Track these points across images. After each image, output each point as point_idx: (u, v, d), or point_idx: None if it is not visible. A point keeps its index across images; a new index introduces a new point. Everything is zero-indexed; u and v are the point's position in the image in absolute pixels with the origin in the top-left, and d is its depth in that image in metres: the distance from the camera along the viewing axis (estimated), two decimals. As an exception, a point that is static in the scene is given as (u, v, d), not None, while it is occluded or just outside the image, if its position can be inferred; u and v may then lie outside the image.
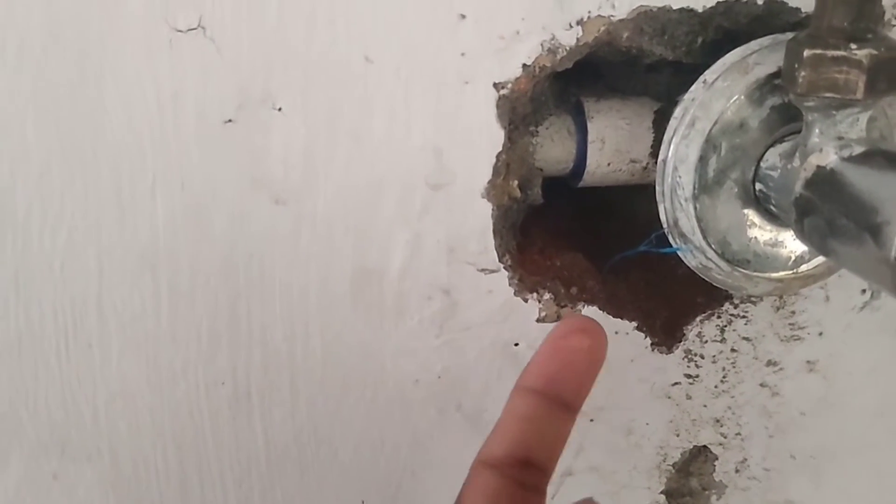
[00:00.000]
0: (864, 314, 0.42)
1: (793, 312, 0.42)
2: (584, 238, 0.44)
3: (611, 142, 0.40)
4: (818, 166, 0.30)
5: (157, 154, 0.33)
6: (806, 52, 0.30)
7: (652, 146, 0.40)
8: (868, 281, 0.30)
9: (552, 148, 0.40)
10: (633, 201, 0.45)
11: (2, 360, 0.36)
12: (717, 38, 0.36)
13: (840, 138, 0.31)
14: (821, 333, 0.42)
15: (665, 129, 0.39)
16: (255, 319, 0.36)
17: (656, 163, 0.40)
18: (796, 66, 0.30)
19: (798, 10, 0.35)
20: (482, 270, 0.37)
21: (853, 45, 0.29)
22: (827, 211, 0.29)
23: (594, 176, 0.40)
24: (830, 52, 0.29)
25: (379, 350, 0.38)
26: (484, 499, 0.25)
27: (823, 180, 0.30)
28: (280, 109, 0.33)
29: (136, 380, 0.37)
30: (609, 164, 0.40)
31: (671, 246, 0.37)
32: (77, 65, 0.31)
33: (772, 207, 0.34)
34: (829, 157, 0.30)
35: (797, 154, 0.32)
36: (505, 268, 0.37)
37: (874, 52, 0.29)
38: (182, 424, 0.38)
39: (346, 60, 0.33)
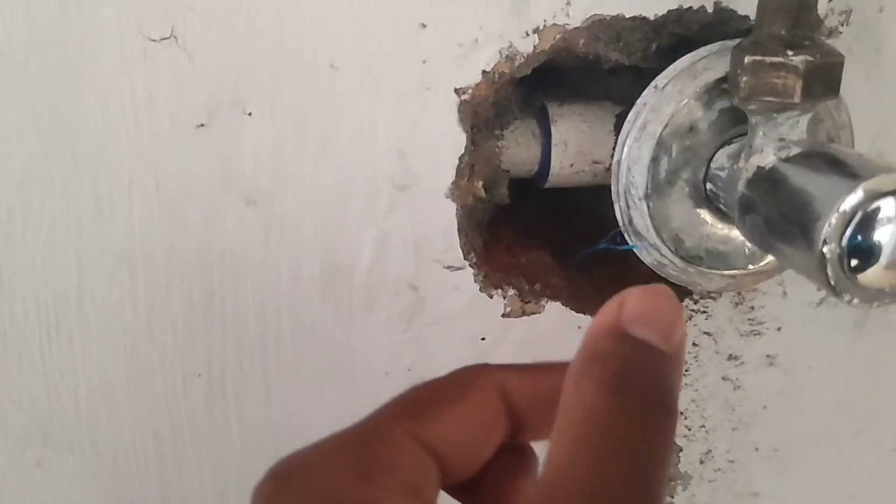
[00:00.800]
0: (822, 309, 0.44)
1: (751, 308, 0.43)
2: (551, 237, 0.45)
3: (573, 144, 0.41)
4: (758, 166, 0.32)
5: (134, 157, 0.35)
6: (747, 59, 0.31)
7: (613, 148, 0.41)
8: (803, 276, 0.31)
9: (517, 150, 0.41)
10: (599, 201, 0.46)
11: (-13, 353, 0.37)
12: (672, 44, 0.38)
13: (781, 140, 0.32)
14: (779, 328, 0.44)
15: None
16: (228, 314, 0.38)
17: (618, 164, 0.41)
18: (739, 71, 0.32)
19: (747, 17, 0.36)
20: (448, 267, 0.39)
21: (790, 52, 0.30)
22: (765, 209, 0.31)
23: (558, 177, 0.42)
24: (769, 59, 0.31)
25: (349, 344, 0.39)
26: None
27: (762, 179, 0.32)
28: (250, 114, 0.35)
29: (116, 372, 0.38)
30: (572, 166, 0.42)
31: (629, 244, 0.38)
32: (57, 72, 0.33)
33: (721, 206, 0.36)
34: (767, 158, 0.32)
35: (742, 155, 0.33)
36: (470, 265, 0.39)
37: (810, 58, 0.30)
38: (160, 416, 0.39)
39: (312, 68, 0.34)
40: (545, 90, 0.42)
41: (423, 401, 0.24)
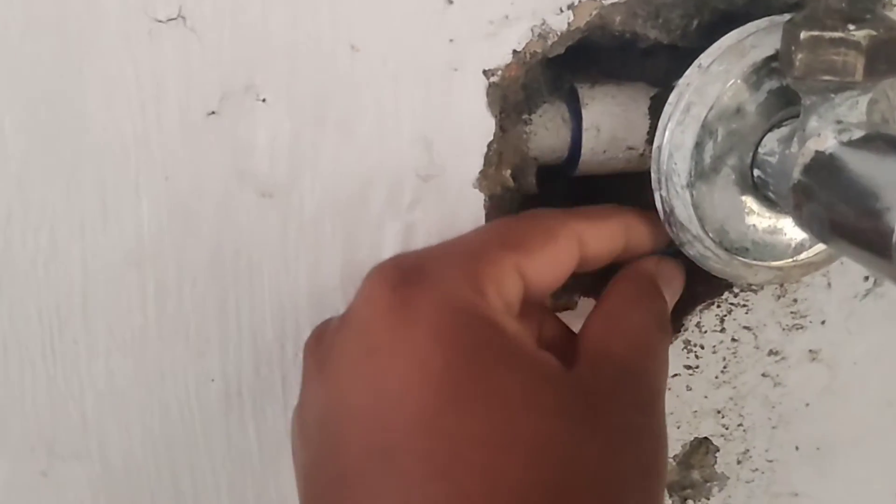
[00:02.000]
0: (868, 301, 0.41)
1: (794, 301, 0.41)
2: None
3: (606, 129, 0.39)
4: (816, 151, 0.30)
5: (140, 149, 0.32)
6: (803, 34, 0.29)
7: (648, 133, 0.39)
8: (868, 268, 0.29)
9: (546, 136, 0.39)
10: (630, 190, 0.44)
11: (-12, 360, 0.35)
12: (713, 21, 0.35)
13: (839, 122, 0.30)
14: (823, 322, 0.42)
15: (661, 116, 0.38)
16: (244, 317, 0.36)
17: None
18: (793, 48, 0.29)
19: (796, -9, 0.34)
20: (475, 262, 0.36)
21: (851, 27, 0.28)
22: (825, 197, 0.29)
23: (589, 164, 0.40)
24: (828, 34, 0.28)
25: (372, 345, 0.37)
26: None
27: (822, 166, 0.29)
28: (264, 101, 0.32)
29: (124, 378, 0.36)
30: (605, 152, 0.39)
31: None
32: (55, 58, 0.31)
33: (770, 194, 0.33)
34: (827, 142, 0.29)
35: (795, 139, 0.31)
36: (499, 259, 0.37)
37: (873, 32, 0.28)
38: (172, 424, 0.37)
39: (331, 50, 0.32)
40: (574, 71, 0.40)
41: (521, 236, 0.30)
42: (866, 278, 0.41)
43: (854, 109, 0.30)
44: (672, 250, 0.37)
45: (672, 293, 0.34)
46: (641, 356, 0.29)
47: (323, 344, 0.30)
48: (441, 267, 0.28)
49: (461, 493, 0.23)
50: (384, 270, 0.28)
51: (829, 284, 0.41)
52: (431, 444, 0.24)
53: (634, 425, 0.27)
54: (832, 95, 0.30)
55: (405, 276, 0.27)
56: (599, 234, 0.32)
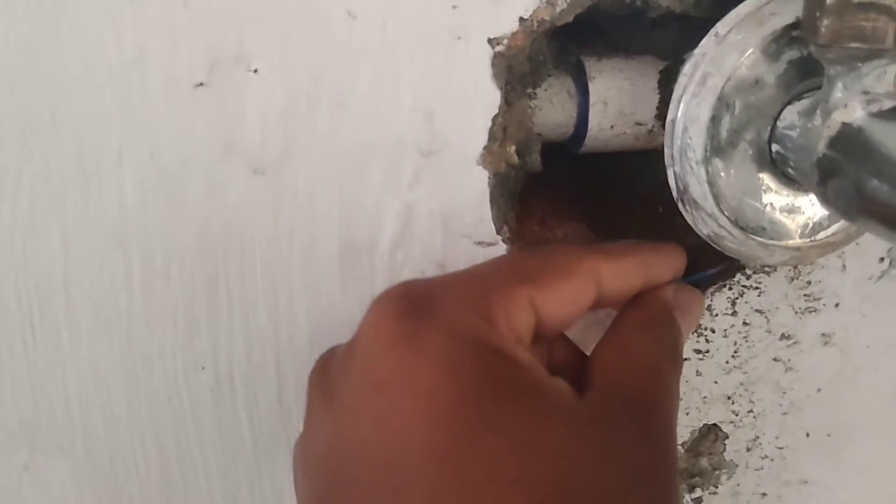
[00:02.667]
0: (883, 283, 0.40)
1: (808, 283, 0.39)
2: (585, 206, 0.41)
3: (614, 104, 0.37)
4: (843, 123, 0.28)
5: (123, 120, 0.30)
6: (829, -1, 0.27)
7: (657, 108, 0.38)
8: (898, 246, 0.28)
9: (551, 111, 0.37)
10: (637, 167, 0.43)
11: (-35, 346, 0.33)
12: (729, -11, 0.34)
13: (866, 93, 0.28)
14: (837, 305, 0.40)
15: (671, 89, 0.36)
16: (235, 299, 0.34)
17: (662, 126, 0.37)
18: (818, 14, 0.27)
19: (817, -45, 0.32)
20: (479, 243, 0.35)
21: (882, -10, 0.27)
22: (854, 172, 0.27)
23: (596, 140, 0.38)
24: (857, -2, 0.27)
25: (370, 329, 0.35)
26: None
27: (850, 139, 0.28)
28: (256, 71, 0.30)
29: (110, 366, 0.34)
30: (612, 128, 0.38)
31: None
32: (30, 20, 0.29)
33: (789, 170, 0.32)
34: (855, 113, 0.28)
35: (818, 111, 0.29)
36: (503, 240, 0.35)
37: (906, -5, 0.26)
38: (161, 412, 0.35)
39: (326, 15, 0.30)
40: (580, 44, 0.38)
41: (535, 270, 0.28)
42: (881, 260, 0.40)
43: (882, 79, 0.28)
44: (692, 279, 0.37)
45: (688, 323, 0.33)
46: (653, 388, 0.28)
47: (329, 374, 0.28)
48: (450, 296, 0.26)
49: None
50: (391, 299, 0.26)
51: (844, 266, 0.39)
52: (441, 481, 0.23)
53: (647, 458, 0.26)
54: (859, 64, 0.28)
55: (413, 305, 0.26)
56: (617, 273, 0.30)
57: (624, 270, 0.31)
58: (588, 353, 0.30)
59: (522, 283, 0.27)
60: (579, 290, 0.29)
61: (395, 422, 0.24)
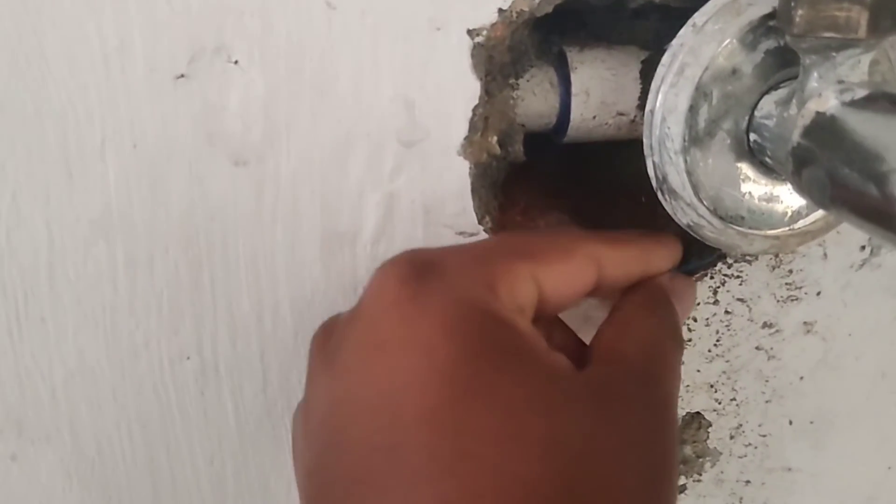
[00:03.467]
0: (864, 272, 0.40)
1: (790, 271, 0.40)
2: (568, 196, 0.42)
3: (596, 94, 0.37)
4: (817, 112, 0.28)
5: (106, 111, 0.31)
6: (803, -11, 0.27)
7: (640, 98, 0.38)
8: (872, 235, 0.28)
9: (534, 101, 0.37)
10: (620, 157, 0.43)
11: (-48, 336, 0.34)
12: (708, -21, 0.34)
13: (840, 82, 0.28)
14: (819, 293, 0.40)
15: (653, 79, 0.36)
16: (219, 289, 0.34)
17: (644, 115, 0.38)
18: (793, 4, 0.28)
19: (795, -55, 0.32)
20: (461, 233, 0.35)
21: (854, -20, 0.27)
22: (827, 160, 0.27)
23: (579, 130, 0.38)
24: (830, -12, 0.27)
25: (353, 319, 0.36)
26: None
27: (823, 127, 0.28)
28: (236, 62, 0.31)
29: (95, 355, 0.35)
30: (594, 118, 0.38)
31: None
32: (10, 12, 0.29)
33: (767, 159, 0.32)
34: (828, 103, 0.28)
35: (794, 101, 0.30)
36: (485, 230, 0.35)
37: (877, -14, 0.27)
38: (146, 401, 0.36)
39: (306, 6, 0.30)
40: (562, 34, 0.38)
41: (537, 248, 0.29)
42: (862, 248, 0.40)
43: (856, 69, 0.29)
44: (685, 269, 0.37)
45: (683, 309, 0.34)
46: (654, 362, 0.29)
47: (331, 339, 0.29)
48: (454, 264, 0.27)
49: (470, 490, 0.22)
50: (395, 265, 0.27)
51: (826, 255, 0.40)
52: (438, 440, 0.23)
53: (646, 426, 0.26)
54: (833, 54, 0.28)
55: (416, 270, 0.26)
56: (618, 259, 0.31)
57: (625, 258, 0.31)
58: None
59: (526, 258, 0.28)
60: (581, 271, 0.29)
61: (393, 381, 0.25)
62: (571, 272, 0.29)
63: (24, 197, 0.31)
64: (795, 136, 0.29)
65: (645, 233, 0.34)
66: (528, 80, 0.37)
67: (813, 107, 0.28)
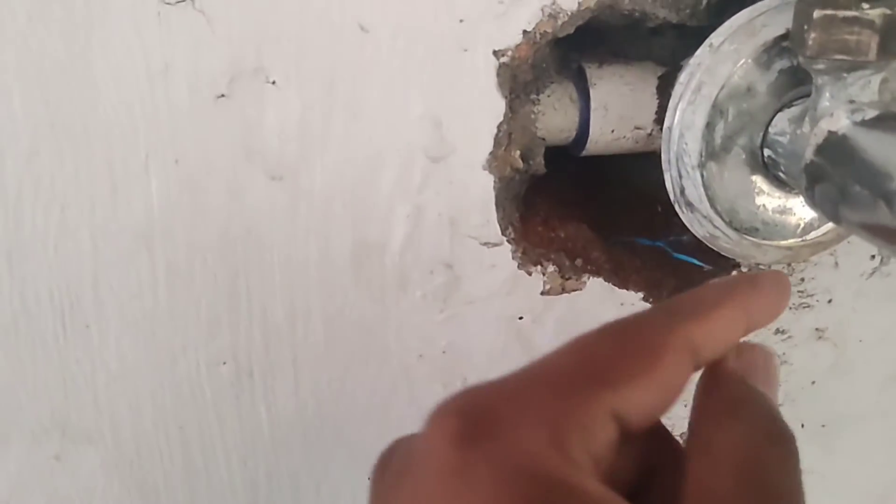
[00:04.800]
0: (874, 280, 0.41)
1: (802, 279, 0.41)
2: (586, 207, 0.43)
3: (614, 109, 0.39)
4: (829, 131, 0.29)
5: (150, 129, 0.32)
6: (816, 13, 0.29)
7: (656, 112, 0.39)
8: (881, 249, 0.29)
9: (554, 116, 0.39)
10: (636, 169, 0.44)
11: (-1, 341, 0.35)
12: (723, 0, 0.35)
13: (851, 102, 0.30)
14: (830, 300, 0.42)
15: (670, 94, 0.38)
16: (254, 297, 0.36)
17: (661, 129, 0.39)
18: (806, 27, 0.29)
19: (807, -32, 0.34)
20: (485, 244, 0.37)
21: (865, 5, 0.28)
22: (839, 177, 0.29)
23: (597, 144, 0.39)
24: (841, 13, 0.28)
25: (382, 325, 0.37)
26: None
27: (835, 146, 0.29)
28: (273, 83, 0.32)
29: (136, 360, 0.36)
30: (613, 132, 0.39)
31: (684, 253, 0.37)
32: (63, 37, 0.30)
33: (781, 174, 0.33)
34: (840, 122, 0.29)
35: (807, 119, 0.31)
36: (508, 241, 0.37)
37: (887, 11, 0.28)
38: (184, 404, 0.37)
39: (340, 30, 0.32)
40: (581, 50, 0.40)
41: (616, 362, 0.23)
42: (872, 257, 0.41)
43: (866, 89, 0.30)
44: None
45: (773, 383, 0.26)
46: (756, 487, 0.22)
47: (385, 482, 0.25)
48: (512, 413, 0.22)
49: None
50: (448, 415, 0.23)
51: (837, 263, 0.41)
52: None
53: None
54: (844, 75, 0.30)
55: (471, 426, 0.22)
56: (715, 332, 0.24)
57: (722, 329, 0.24)
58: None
59: (603, 385, 0.22)
60: (674, 375, 0.23)
61: None
62: (663, 381, 0.23)
63: (71, 210, 0.33)
64: (809, 154, 0.30)
65: (738, 281, 0.27)
66: (548, 96, 0.38)
67: (825, 126, 0.30)
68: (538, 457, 0.21)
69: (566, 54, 0.39)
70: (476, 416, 0.22)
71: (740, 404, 0.24)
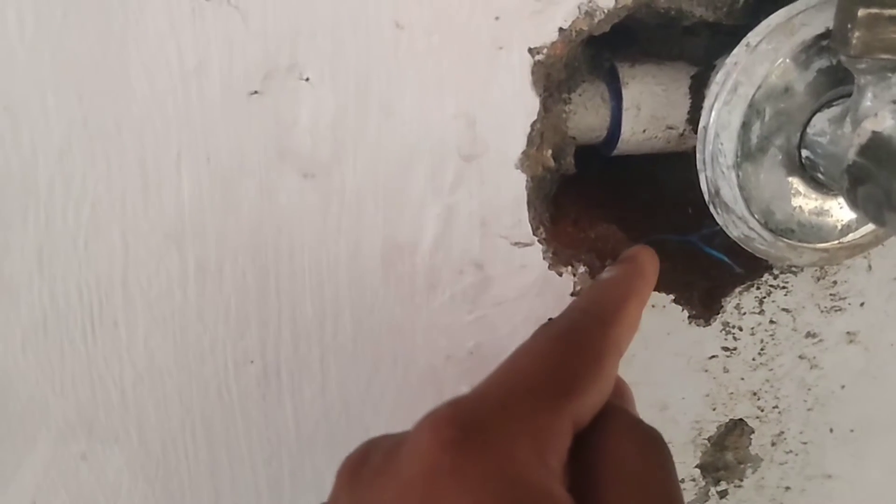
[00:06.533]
0: (907, 284, 0.41)
1: (834, 283, 0.40)
2: (616, 208, 0.42)
3: (646, 108, 0.38)
4: (874, 132, 0.29)
5: (182, 126, 0.32)
6: (861, 12, 0.28)
7: (689, 112, 0.39)
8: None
9: (586, 115, 0.38)
10: (666, 169, 0.44)
11: (27, 339, 0.35)
12: (761, -3, 0.35)
13: (895, 102, 0.29)
14: (862, 304, 0.41)
15: (702, 94, 0.37)
16: (284, 296, 0.35)
17: (693, 129, 0.38)
18: (849, 26, 0.28)
19: (847, -33, 0.33)
20: (516, 244, 0.36)
21: (912, 3, 0.28)
22: (884, 179, 0.28)
23: (629, 144, 0.39)
24: (888, 11, 0.28)
25: (410, 326, 0.37)
26: None
27: (880, 146, 0.29)
28: (307, 80, 0.32)
29: (164, 359, 0.36)
30: (644, 132, 0.39)
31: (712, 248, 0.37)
32: (98, 34, 0.30)
33: (819, 175, 0.33)
34: (885, 122, 0.29)
35: (848, 119, 0.30)
36: (539, 241, 0.36)
37: (935, 9, 0.27)
38: (211, 404, 0.37)
39: (375, 27, 0.31)
40: (614, 50, 0.39)
41: (573, 372, 0.25)
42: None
43: (911, 89, 0.29)
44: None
45: (628, 400, 0.31)
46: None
47: (362, 477, 0.26)
48: (501, 424, 0.24)
49: None
50: (439, 424, 0.24)
51: (870, 267, 0.40)
52: None
53: None
54: (889, 75, 0.29)
55: (460, 434, 0.23)
56: (629, 329, 0.28)
57: (632, 324, 0.29)
58: None
59: (568, 398, 0.25)
60: (610, 378, 0.26)
61: None
62: (604, 386, 0.26)
63: (102, 208, 0.33)
64: (851, 155, 0.30)
65: (625, 274, 0.32)
66: (580, 95, 0.38)
67: (869, 126, 0.29)
68: (523, 465, 0.23)
69: (598, 53, 0.39)
70: (468, 427, 0.24)
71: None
